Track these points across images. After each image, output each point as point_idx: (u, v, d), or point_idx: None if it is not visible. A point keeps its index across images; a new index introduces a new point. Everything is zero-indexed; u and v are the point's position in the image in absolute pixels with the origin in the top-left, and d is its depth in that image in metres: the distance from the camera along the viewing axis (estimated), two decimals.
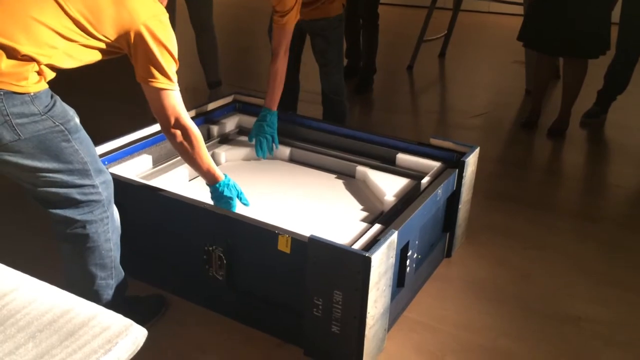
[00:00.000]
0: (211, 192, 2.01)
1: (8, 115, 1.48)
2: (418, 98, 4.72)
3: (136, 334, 1.21)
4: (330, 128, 2.70)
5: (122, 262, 1.86)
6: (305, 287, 1.79)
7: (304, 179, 2.51)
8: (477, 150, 2.38)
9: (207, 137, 2.71)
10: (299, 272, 1.80)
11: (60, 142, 1.58)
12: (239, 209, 2.02)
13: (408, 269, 2.02)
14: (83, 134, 1.66)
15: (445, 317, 2.11)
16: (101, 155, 2.17)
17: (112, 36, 1.61)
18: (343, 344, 1.80)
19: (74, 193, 1.64)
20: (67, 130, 1.59)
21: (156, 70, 1.66)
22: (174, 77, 1.71)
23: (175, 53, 1.69)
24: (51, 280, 1.37)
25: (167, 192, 2.02)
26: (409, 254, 1.99)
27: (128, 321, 1.23)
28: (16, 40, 1.47)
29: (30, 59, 1.50)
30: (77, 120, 1.66)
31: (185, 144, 1.83)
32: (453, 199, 2.33)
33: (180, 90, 1.76)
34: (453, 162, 2.35)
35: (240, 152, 2.66)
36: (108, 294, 1.83)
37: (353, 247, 1.75)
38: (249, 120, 2.75)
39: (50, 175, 1.59)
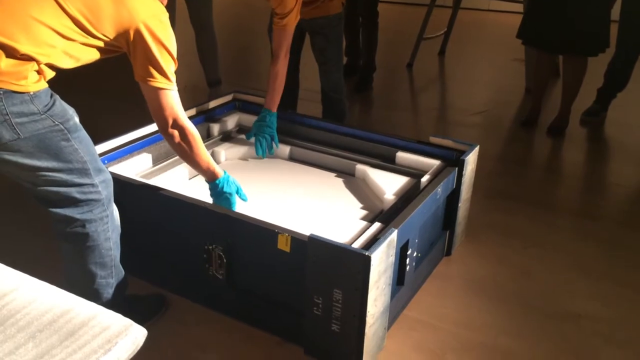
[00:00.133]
0: (210, 190, 2.01)
1: (8, 115, 1.48)
2: (418, 96, 4.72)
3: (136, 334, 1.21)
4: (330, 126, 2.70)
5: (122, 261, 1.86)
6: (305, 285, 1.79)
7: (303, 178, 2.51)
8: (476, 149, 2.38)
9: (207, 135, 2.71)
10: (298, 271, 1.80)
11: (60, 141, 1.58)
12: (239, 207, 2.03)
13: (408, 267, 2.02)
14: (82, 133, 1.66)
15: (445, 316, 2.11)
16: (101, 154, 2.17)
17: (112, 35, 1.61)
18: (343, 342, 1.80)
19: (73, 192, 1.64)
20: (66, 130, 1.59)
21: (155, 69, 1.65)
22: (173, 77, 1.71)
23: (175, 53, 1.68)
24: (51, 280, 1.37)
25: (167, 191, 2.02)
26: (409, 252, 1.99)
27: (128, 321, 1.23)
28: (15, 40, 1.47)
29: (29, 58, 1.50)
30: (77, 119, 1.66)
31: (184, 144, 1.82)
32: (453, 197, 2.33)
33: (180, 89, 1.76)
34: (453, 160, 2.35)
35: (240, 150, 2.66)
36: (108, 292, 1.83)
37: (353, 245, 1.75)
38: (249, 119, 2.75)
39: (50, 174, 1.59)
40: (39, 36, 1.50)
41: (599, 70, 3.84)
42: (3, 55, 1.46)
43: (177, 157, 2.11)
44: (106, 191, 1.72)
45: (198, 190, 2.13)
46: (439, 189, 2.14)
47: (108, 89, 4.15)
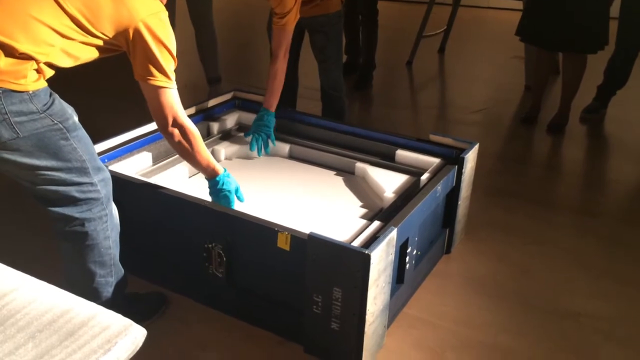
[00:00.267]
0: (210, 187, 2.01)
1: (7, 114, 1.48)
2: (417, 94, 4.71)
3: (135, 334, 1.21)
4: (329, 124, 2.69)
5: (122, 260, 1.86)
6: (305, 284, 1.79)
7: (303, 176, 2.50)
8: (476, 147, 2.38)
9: (207, 134, 2.71)
10: (298, 270, 1.80)
11: (59, 140, 1.58)
12: (238, 206, 2.03)
13: (407, 265, 2.02)
14: (81, 132, 1.65)
15: (445, 314, 2.11)
16: (100, 153, 2.17)
17: (111, 34, 1.60)
18: (343, 340, 1.80)
19: (72, 191, 1.64)
20: (65, 129, 1.58)
21: (154, 68, 1.65)
22: (173, 76, 1.71)
23: (174, 51, 1.68)
24: (51, 280, 1.37)
25: (167, 190, 2.02)
26: (409, 250, 1.99)
27: (127, 321, 1.23)
28: (15, 39, 1.47)
29: (28, 57, 1.49)
30: (76, 118, 1.66)
31: (184, 142, 1.82)
32: (452, 195, 2.33)
33: (180, 88, 1.76)
34: (452, 158, 2.34)
35: (240, 149, 2.66)
36: (108, 291, 1.83)
37: (352, 244, 1.75)
38: (249, 117, 2.75)
39: (49, 173, 1.59)
40: (38, 35, 1.50)
41: (598, 67, 3.84)
42: (2, 54, 1.46)
43: (177, 155, 2.12)
44: (105, 190, 1.71)
45: (198, 188, 2.13)
46: (439, 187, 2.14)
47: (107, 88, 4.15)
